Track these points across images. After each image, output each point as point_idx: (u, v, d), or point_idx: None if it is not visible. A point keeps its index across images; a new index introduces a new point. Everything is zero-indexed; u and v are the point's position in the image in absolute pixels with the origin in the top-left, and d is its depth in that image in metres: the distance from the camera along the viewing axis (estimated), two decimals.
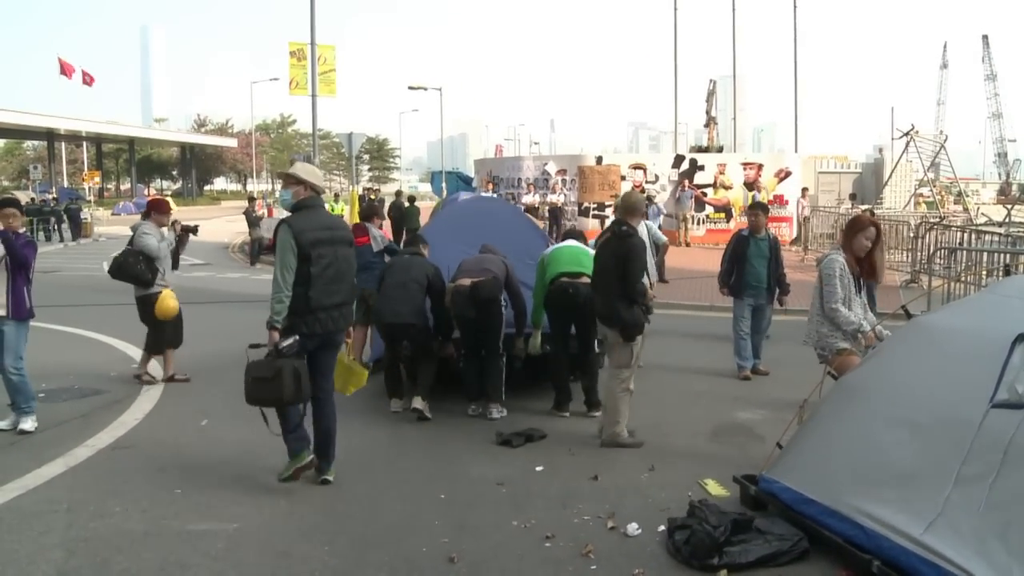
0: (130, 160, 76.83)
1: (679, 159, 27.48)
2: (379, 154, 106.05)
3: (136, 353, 8.76)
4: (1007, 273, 10.93)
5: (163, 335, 8.61)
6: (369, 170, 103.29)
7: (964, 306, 4.93)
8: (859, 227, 6.07)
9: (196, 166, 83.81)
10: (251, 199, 26.08)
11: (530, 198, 26.38)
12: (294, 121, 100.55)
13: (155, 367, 8.77)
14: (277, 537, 4.91)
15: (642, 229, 9.85)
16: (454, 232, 8.85)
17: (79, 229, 33.54)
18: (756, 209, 9.47)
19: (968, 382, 4.17)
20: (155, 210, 8.77)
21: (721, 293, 9.68)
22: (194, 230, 8.96)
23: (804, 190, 25.29)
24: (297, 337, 5.40)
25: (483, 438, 6.81)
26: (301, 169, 5.81)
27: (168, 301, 8.46)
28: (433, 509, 5.35)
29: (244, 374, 5.48)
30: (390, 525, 5.10)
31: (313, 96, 24.66)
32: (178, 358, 8.79)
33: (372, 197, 26.84)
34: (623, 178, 26.70)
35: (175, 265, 8.81)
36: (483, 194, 23.96)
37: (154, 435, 6.94)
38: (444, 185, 39.87)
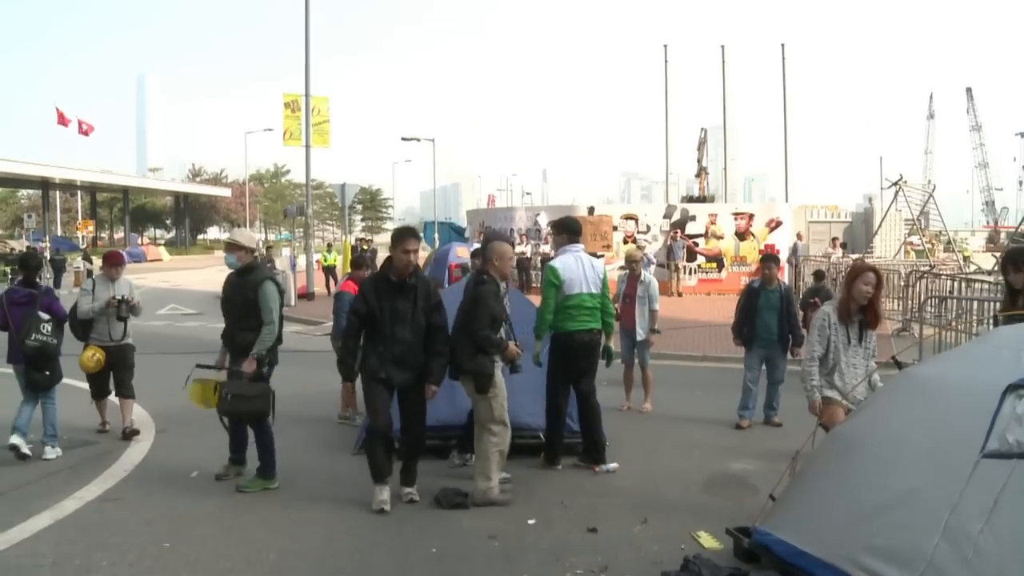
0: (124, 209, 77.13)
1: (670, 209, 27.69)
2: (372, 204, 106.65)
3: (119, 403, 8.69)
4: (997, 322, 10.96)
5: (93, 385, 8.57)
6: (362, 220, 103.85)
7: (955, 356, 4.95)
8: (858, 273, 6.08)
9: (190, 215, 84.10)
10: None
11: (522, 248, 26.52)
12: (288, 171, 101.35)
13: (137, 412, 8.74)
14: None
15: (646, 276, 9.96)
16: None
17: (60, 278, 33.97)
18: (768, 261, 9.55)
19: (959, 433, 4.17)
20: (105, 263, 8.73)
21: (735, 344, 9.74)
22: (129, 308, 8.32)
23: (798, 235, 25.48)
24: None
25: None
26: (240, 235, 7.27)
27: (82, 356, 8.25)
28: (425, 563, 5.29)
29: (218, 390, 6.78)
30: None
31: (307, 147, 24.87)
32: (166, 409, 8.74)
33: (364, 248, 26.88)
34: (615, 228, 26.86)
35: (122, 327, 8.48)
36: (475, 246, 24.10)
37: (142, 487, 6.86)
38: (436, 235, 40.02)
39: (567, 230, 7.65)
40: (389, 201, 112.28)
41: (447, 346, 6.41)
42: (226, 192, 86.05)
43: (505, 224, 29.11)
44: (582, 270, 7.38)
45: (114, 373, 8.47)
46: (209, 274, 38.82)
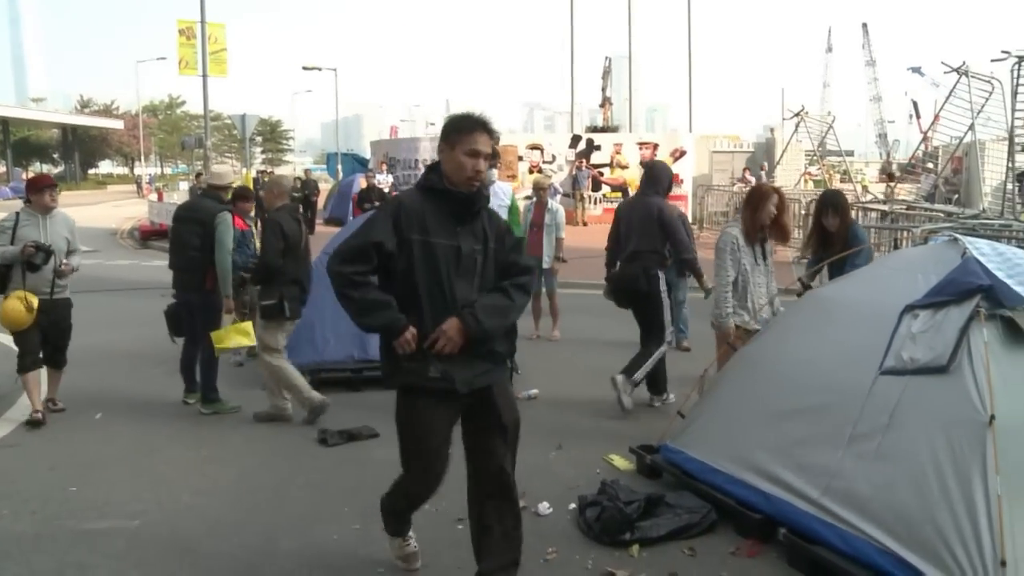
0: (5, 142, 73.08)
1: (576, 139, 27.74)
2: (272, 136, 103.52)
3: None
4: (896, 247, 11.40)
5: (22, 347, 6.80)
6: (262, 152, 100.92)
7: (855, 279, 5.12)
8: (765, 195, 6.18)
9: (79, 149, 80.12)
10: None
11: None
12: (183, 102, 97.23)
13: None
14: (181, 533, 4.75)
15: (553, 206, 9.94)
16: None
17: None
18: None
19: (859, 351, 4.36)
20: (30, 190, 6.96)
21: None
22: (45, 259, 6.58)
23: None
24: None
25: (389, 421, 6.72)
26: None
27: (6, 306, 6.61)
28: (342, 496, 5.28)
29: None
30: (299, 514, 5.00)
31: (204, 76, 23.91)
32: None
33: (266, 179, 26.14)
34: (520, 158, 26.80)
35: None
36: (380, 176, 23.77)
37: (43, 432, 6.61)
38: (339, 167, 39.23)
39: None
40: (290, 133, 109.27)
41: (524, 297, 3.80)
42: (118, 124, 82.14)
43: (410, 155, 28.69)
44: (494, 197, 7.24)
45: (48, 336, 6.89)
46: (104, 210, 37.42)
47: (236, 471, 5.77)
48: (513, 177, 25.61)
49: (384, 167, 26.80)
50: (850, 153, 48.57)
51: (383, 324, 3.62)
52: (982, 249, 4.09)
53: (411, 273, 3.60)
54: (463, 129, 3.69)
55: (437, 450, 3.84)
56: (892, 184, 23.26)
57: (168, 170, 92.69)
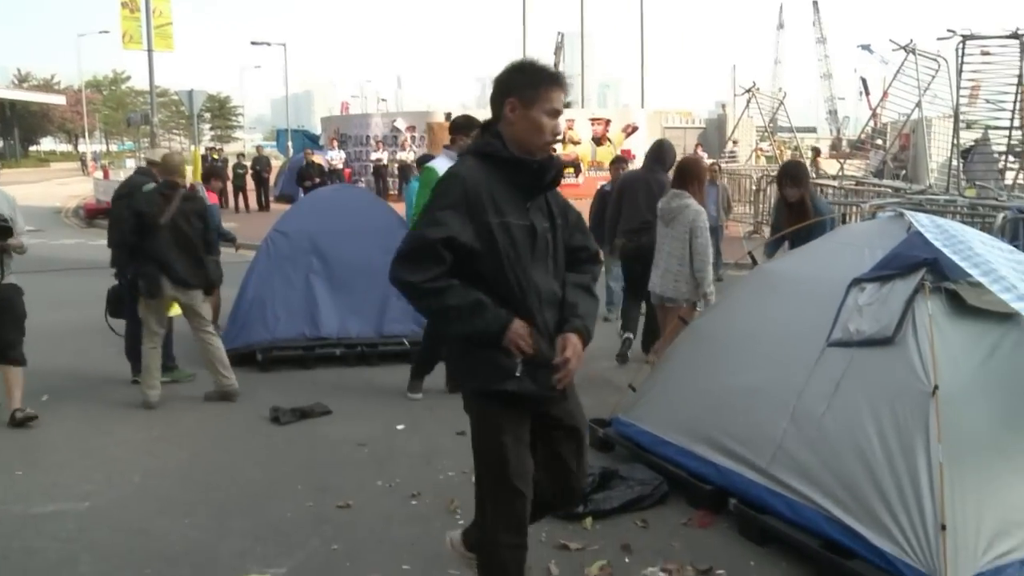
0: None
1: None
2: (221, 112, 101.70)
3: None
4: (844, 222, 11.56)
5: None
6: (211, 129, 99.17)
7: (804, 253, 5.21)
8: (704, 173, 6.29)
9: (18, 124, 77.99)
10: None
11: (378, 155, 26.13)
12: (128, 78, 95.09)
13: None
14: (132, 514, 4.69)
15: None
16: (319, 219, 8.35)
17: None
18: (618, 164, 9.67)
19: (807, 324, 4.43)
20: None
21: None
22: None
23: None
24: None
25: (342, 398, 6.72)
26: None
27: None
28: (297, 474, 5.25)
29: None
30: (252, 493, 4.97)
31: (149, 51, 23.37)
32: None
33: (215, 157, 25.76)
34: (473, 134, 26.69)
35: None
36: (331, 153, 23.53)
37: None
38: (290, 144, 38.74)
39: (468, 127, 6.81)
40: (239, 109, 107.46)
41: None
42: (60, 99, 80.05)
43: (361, 131, 28.45)
44: None
45: None
46: (47, 188, 36.61)
47: (188, 451, 5.71)
48: None
49: (335, 143, 26.55)
50: (812, 130, 49.07)
51: (485, 329, 2.92)
52: (925, 224, 4.16)
53: (498, 266, 2.95)
54: (541, 83, 3.03)
55: (525, 471, 3.08)
56: (818, 161, 23.63)
57: (114, 147, 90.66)
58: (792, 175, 6.24)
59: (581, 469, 3.29)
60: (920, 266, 4.03)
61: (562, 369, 2.98)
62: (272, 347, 7.65)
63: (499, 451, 3.01)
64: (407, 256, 2.94)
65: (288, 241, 8.07)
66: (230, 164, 25.55)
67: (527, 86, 3.02)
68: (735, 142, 27.05)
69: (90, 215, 24.20)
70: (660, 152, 7.80)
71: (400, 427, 6.10)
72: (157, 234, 6.44)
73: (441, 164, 6.77)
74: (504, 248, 2.93)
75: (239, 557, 4.16)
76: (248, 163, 25.40)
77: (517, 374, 2.94)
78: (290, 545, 4.30)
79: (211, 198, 9.06)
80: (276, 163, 31.64)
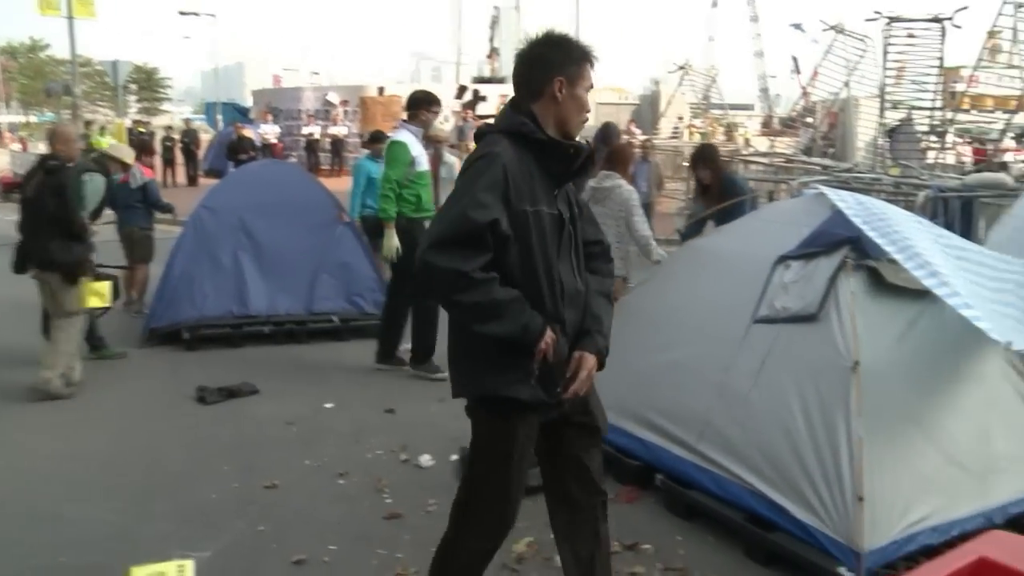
0: None
1: (462, 90, 27.51)
2: (148, 84, 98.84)
3: None
4: (771, 199, 11.73)
5: None
6: (137, 101, 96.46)
7: (731, 231, 5.24)
8: (631, 158, 6.30)
9: None
10: None
11: (310, 129, 25.71)
12: (48, 46, 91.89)
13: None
14: (45, 500, 4.52)
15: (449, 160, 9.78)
16: (247, 195, 8.10)
17: None
18: None
19: (733, 300, 4.47)
20: None
21: None
22: None
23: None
24: None
25: (270, 377, 6.60)
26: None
27: None
28: (221, 454, 5.14)
29: None
30: (175, 474, 4.86)
31: (69, 17, 22.55)
32: None
33: (141, 130, 25.04)
34: None
35: None
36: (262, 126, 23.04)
37: None
38: (219, 117, 37.87)
39: (427, 102, 6.73)
40: (167, 81, 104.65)
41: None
42: None
43: (293, 105, 27.88)
44: (421, 148, 6.79)
45: None
46: None
47: (107, 433, 5.53)
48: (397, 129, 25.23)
49: (269, 117, 26.01)
50: (749, 107, 49.57)
51: (526, 330, 2.66)
52: (848, 202, 4.22)
53: (527, 259, 2.70)
54: (582, 59, 2.82)
55: (520, 483, 2.95)
56: (734, 136, 23.98)
57: (33, 118, 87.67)
58: (704, 157, 6.39)
59: (596, 463, 3.07)
60: (843, 244, 4.09)
61: (572, 386, 2.79)
62: (199, 325, 7.50)
63: (504, 462, 2.84)
64: (452, 240, 2.60)
65: (216, 217, 7.87)
66: (157, 137, 24.87)
67: (570, 62, 2.81)
68: (680, 118, 27.21)
69: (7, 188, 23.30)
70: (607, 133, 8.32)
71: (328, 405, 6.02)
72: (23, 209, 6.32)
73: (408, 138, 6.60)
74: (536, 239, 2.70)
75: (162, 541, 4.04)
76: (177, 136, 24.74)
77: (532, 382, 2.72)
78: (215, 527, 4.21)
79: (147, 173, 8.90)
80: (205, 137, 30.89)
